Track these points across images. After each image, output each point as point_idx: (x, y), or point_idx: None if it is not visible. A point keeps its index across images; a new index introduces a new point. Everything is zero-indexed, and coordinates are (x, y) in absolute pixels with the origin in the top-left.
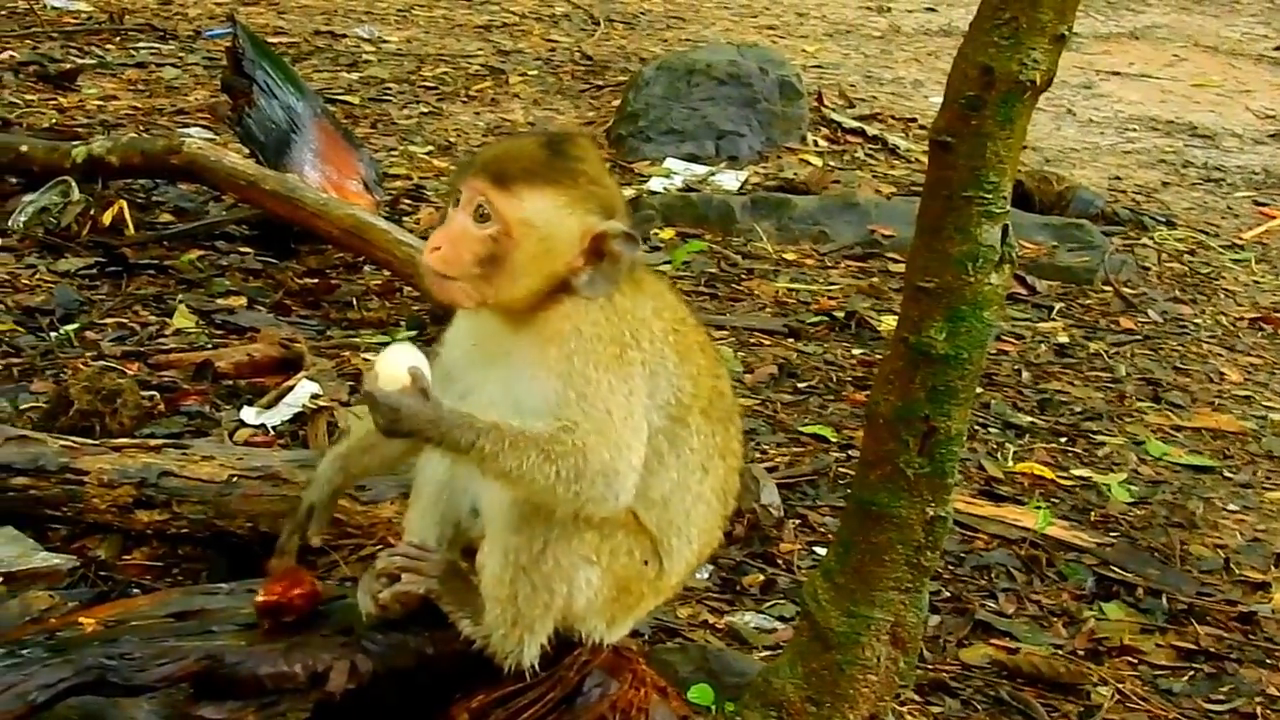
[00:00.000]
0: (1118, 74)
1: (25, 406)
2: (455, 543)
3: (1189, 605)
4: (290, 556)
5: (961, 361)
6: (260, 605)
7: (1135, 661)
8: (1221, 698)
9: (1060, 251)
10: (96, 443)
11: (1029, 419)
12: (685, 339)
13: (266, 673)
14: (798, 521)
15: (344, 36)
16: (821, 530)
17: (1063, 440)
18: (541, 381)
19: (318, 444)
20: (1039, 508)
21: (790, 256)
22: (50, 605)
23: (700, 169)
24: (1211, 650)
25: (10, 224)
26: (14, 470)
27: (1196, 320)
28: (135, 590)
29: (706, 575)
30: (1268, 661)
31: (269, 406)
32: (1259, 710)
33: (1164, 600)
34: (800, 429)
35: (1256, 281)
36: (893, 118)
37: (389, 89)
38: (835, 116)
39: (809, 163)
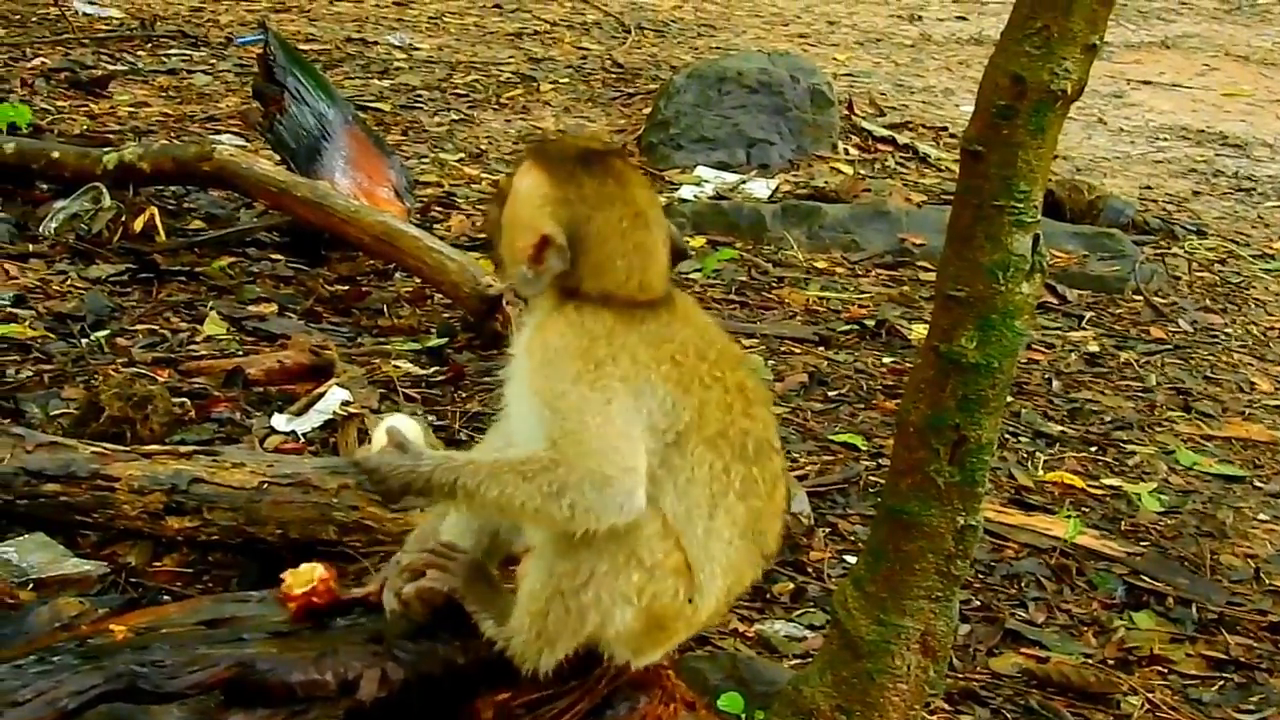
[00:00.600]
0: (1149, 83)
1: (56, 412)
2: (492, 552)
3: (1219, 615)
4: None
5: (992, 370)
6: (297, 611)
7: (1165, 671)
8: (1251, 707)
9: (1091, 260)
10: (127, 449)
11: (1059, 428)
12: (690, 370)
13: (297, 680)
14: (828, 530)
15: (375, 44)
16: (851, 538)
17: (1093, 449)
18: (525, 400)
19: (348, 451)
20: (1069, 517)
21: (821, 265)
22: (80, 611)
23: (731, 177)
24: (1241, 660)
25: (42, 230)
26: (45, 476)
27: (1227, 330)
28: (165, 597)
29: None
30: None
31: (299, 413)
32: None
33: (1194, 610)
34: (830, 437)
35: None
36: (923, 126)
37: (420, 96)
38: (866, 125)
39: (840, 171)
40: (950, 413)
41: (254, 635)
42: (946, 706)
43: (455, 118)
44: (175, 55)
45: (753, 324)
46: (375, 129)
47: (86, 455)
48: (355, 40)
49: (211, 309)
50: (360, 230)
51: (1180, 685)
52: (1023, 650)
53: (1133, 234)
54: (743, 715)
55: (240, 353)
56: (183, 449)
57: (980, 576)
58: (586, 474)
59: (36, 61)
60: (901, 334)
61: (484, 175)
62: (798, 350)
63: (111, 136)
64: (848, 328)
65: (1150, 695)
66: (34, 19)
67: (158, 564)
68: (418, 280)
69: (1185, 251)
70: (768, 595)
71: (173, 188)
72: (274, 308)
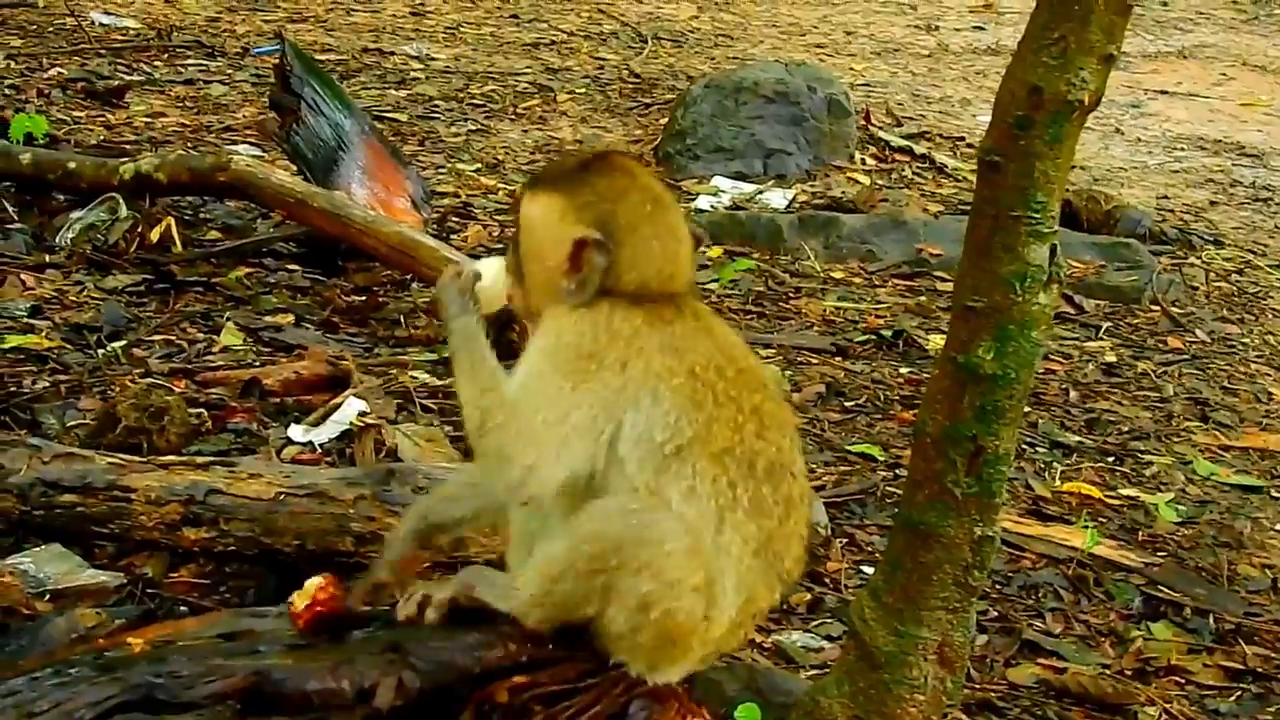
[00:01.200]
0: (1165, 93)
1: (73, 423)
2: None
3: (1236, 625)
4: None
5: (1010, 381)
6: (306, 624)
7: (1182, 682)
8: (1269, 718)
9: (1108, 270)
10: (144, 460)
11: (1076, 438)
12: (706, 385)
13: (313, 689)
14: (845, 540)
15: (392, 54)
16: (869, 549)
17: (1110, 460)
18: (521, 361)
19: (365, 462)
20: (1086, 527)
21: (838, 275)
22: (97, 622)
23: (748, 187)
24: (1259, 670)
25: (58, 241)
26: (61, 487)
27: (1244, 340)
28: (182, 608)
29: None
30: None
31: (316, 424)
32: None
33: (1211, 620)
34: (847, 448)
35: None
36: (940, 136)
37: (437, 106)
38: (883, 135)
39: (857, 181)
40: (968, 423)
41: (270, 647)
42: (964, 717)
43: (472, 128)
44: (192, 65)
45: (770, 334)
46: (392, 139)
47: (103, 466)
48: (372, 50)
49: (228, 319)
50: (378, 240)
51: (1198, 696)
52: (1040, 661)
53: (1150, 244)
54: None
55: (257, 363)
56: (199, 460)
57: (997, 587)
58: (502, 445)
59: (53, 72)
60: (919, 344)
61: (501, 186)
62: (815, 360)
63: (128, 147)
64: (865, 338)
65: (1168, 706)
66: (50, 29)
67: (174, 575)
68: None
69: (1202, 261)
70: (784, 606)
71: (189, 198)
72: (291, 318)
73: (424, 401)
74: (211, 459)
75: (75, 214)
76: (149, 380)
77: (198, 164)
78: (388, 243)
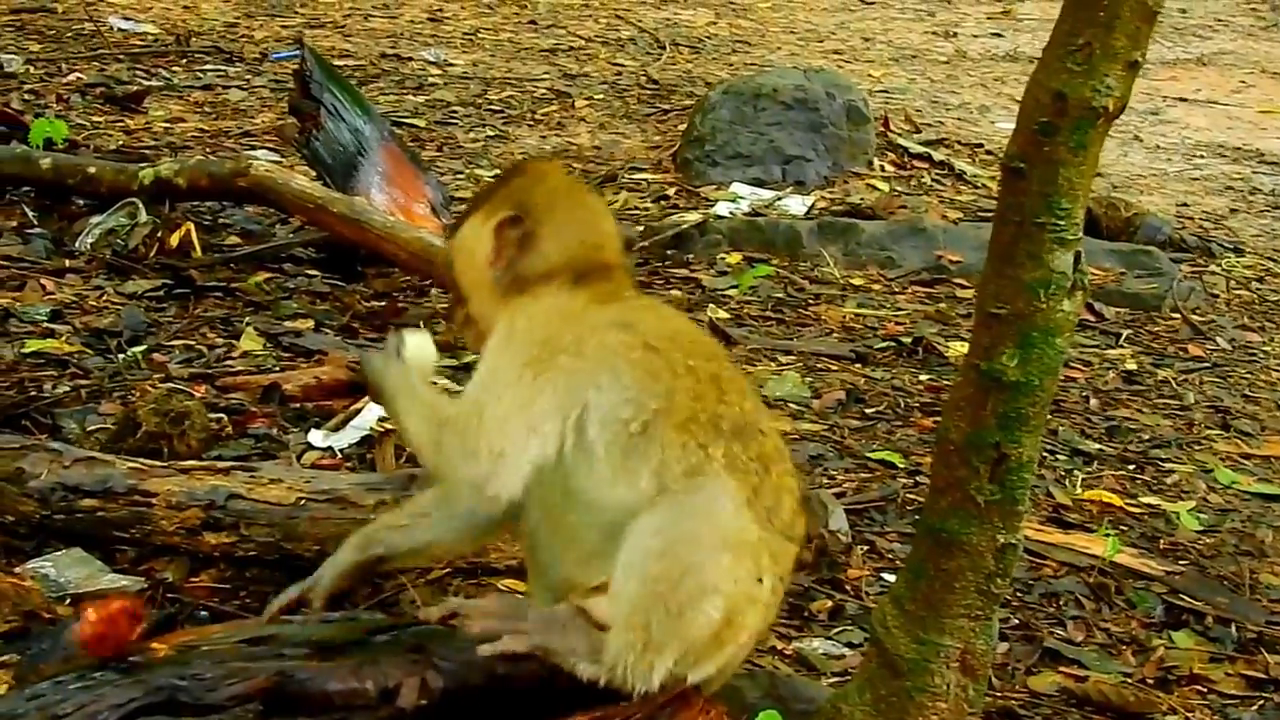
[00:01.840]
0: (1184, 100)
1: (93, 428)
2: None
3: (1258, 634)
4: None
5: (1033, 388)
6: (86, 641)
7: (1204, 690)
8: None
9: (1128, 278)
10: (164, 465)
11: (1097, 446)
12: (664, 357)
13: (336, 689)
14: (866, 547)
15: (410, 60)
16: (890, 556)
17: (1131, 467)
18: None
19: (385, 467)
20: (1107, 535)
21: (857, 281)
22: None
23: (767, 193)
24: None
25: (78, 245)
26: (82, 492)
27: (1265, 348)
28: (203, 613)
29: None
30: None
31: (336, 429)
32: None
33: (1233, 629)
34: (868, 455)
35: None
36: (959, 143)
37: (455, 112)
38: (902, 141)
39: (875, 188)
40: (991, 430)
41: (294, 651)
42: None
43: (490, 134)
44: (210, 71)
45: (789, 341)
46: (410, 145)
47: (124, 470)
48: (390, 56)
49: (248, 325)
50: (397, 246)
51: (1219, 705)
52: (1061, 669)
53: (1170, 251)
54: None
55: (277, 368)
56: (220, 464)
57: (1018, 595)
58: (464, 446)
59: (72, 77)
60: (939, 351)
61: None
62: (834, 367)
63: (147, 152)
64: (884, 345)
65: (1190, 715)
66: (69, 34)
67: (194, 579)
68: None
69: (1222, 269)
70: (806, 613)
71: (208, 203)
72: (310, 323)
73: None
74: (232, 464)
75: (95, 219)
76: (169, 385)
77: (217, 169)
78: (408, 248)
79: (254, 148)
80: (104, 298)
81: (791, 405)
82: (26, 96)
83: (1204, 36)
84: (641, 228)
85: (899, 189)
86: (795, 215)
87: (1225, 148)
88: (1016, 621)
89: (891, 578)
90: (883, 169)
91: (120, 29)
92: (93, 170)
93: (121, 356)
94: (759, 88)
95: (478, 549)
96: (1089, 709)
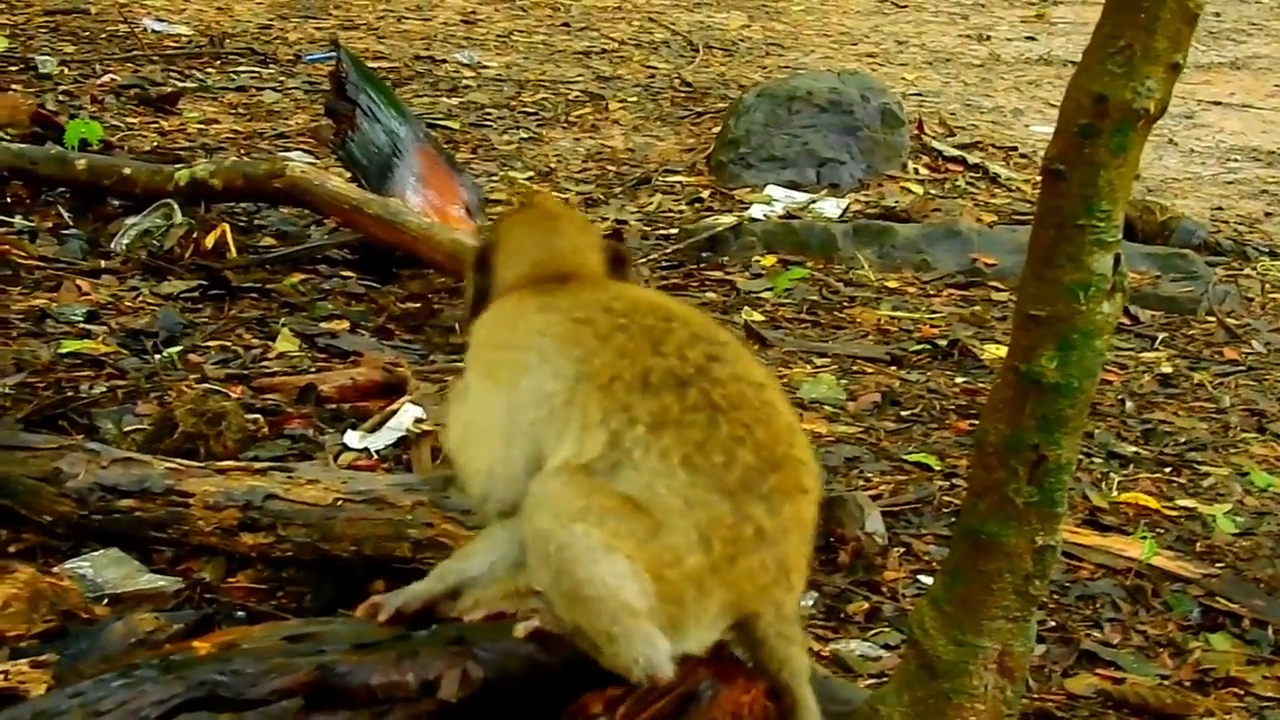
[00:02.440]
0: (1219, 104)
1: (130, 428)
2: None
3: None
4: None
5: (1072, 390)
6: None
7: (1241, 693)
8: None
9: (1163, 281)
10: (202, 465)
11: (1133, 449)
12: (586, 324)
13: (378, 682)
14: (902, 550)
15: (444, 62)
16: (926, 558)
17: (1167, 470)
18: None
19: (421, 468)
20: (1144, 538)
21: (892, 284)
22: (155, 627)
23: (801, 196)
24: None
25: (113, 246)
26: (120, 492)
27: None
28: (240, 613)
29: (811, 603)
30: None
31: (372, 430)
32: None
33: (1270, 631)
34: (904, 457)
35: None
36: (993, 146)
37: (489, 114)
38: (936, 144)
39: (910, 191)
40: (1029, 433)
41: (335, 647)
42: None
43: (524, 136)
44: (244, 72)
45: (824, 343)
46: (445, 147)
47: (161, 471)
48: (424, 58)
49: (283, 326)
50: (432, 248)
51: (1256, 707)
52: (1098, 671)
53: (1205, 255)
54: None
55: (313, 369)
56: (257, 465)
57: (1055, 597)
58: (463, 468)
59: (106, 78)
60: (974, 354)
61: (554, 194)
62: (870, 370)
63: (181, 153)
64: (920, 347)
65: (1227, 717)
66: (103, 35)
67: (232, 580)
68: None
69: (1258, 273)
70: (842, 615)
71: (243, 205)
72: (346, 325)
73: None
74: (269, 464)
75: (130, 220)
76: (205, 386)
77: (253, 170)
78: (443, 250)
79: (288, 149)
80: (140, 298)
81: (827, 408)
82: (61, 98)
83: (1238, 40)
84: (676, 230)
85: (933, 192)
86: (830, 218)
87: (1260, 151)
88: (1053, 623)
89: (928, 580)
90: (917, 172)
91: (154, 30)
92: (128, 171)
93: (158, 357)
94: (793, 90)
95: None
96: (1126, 711)
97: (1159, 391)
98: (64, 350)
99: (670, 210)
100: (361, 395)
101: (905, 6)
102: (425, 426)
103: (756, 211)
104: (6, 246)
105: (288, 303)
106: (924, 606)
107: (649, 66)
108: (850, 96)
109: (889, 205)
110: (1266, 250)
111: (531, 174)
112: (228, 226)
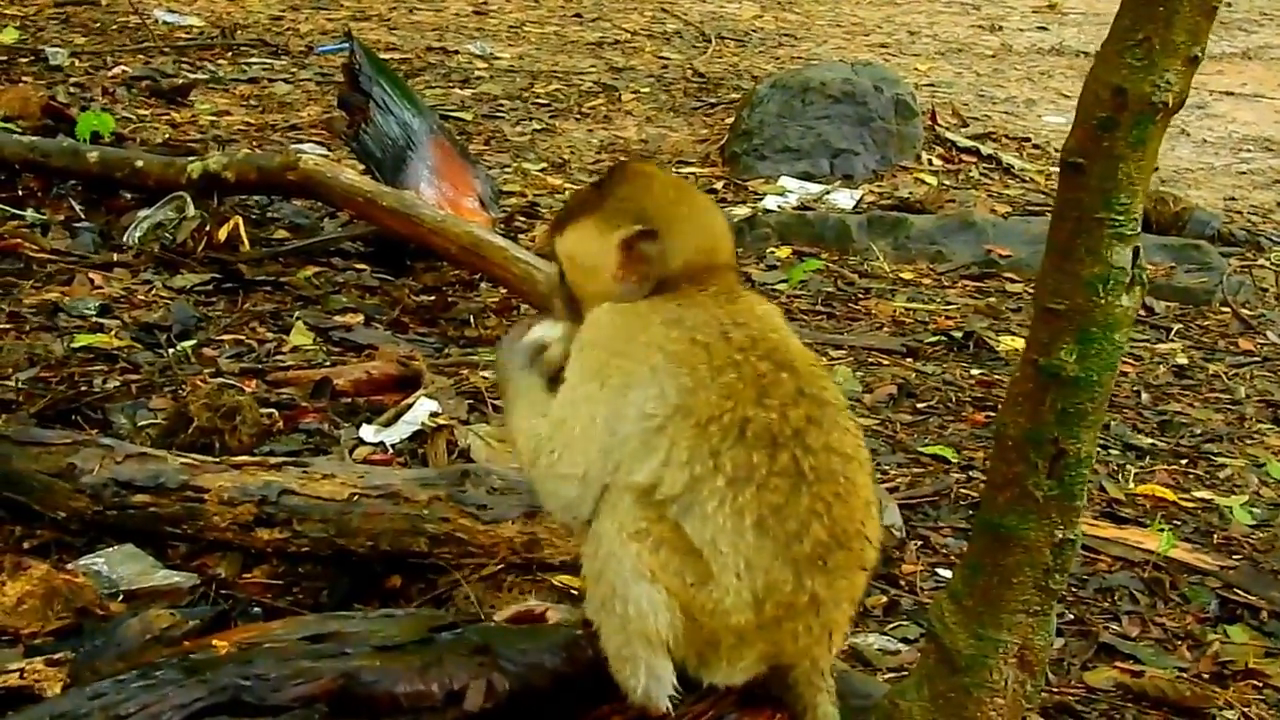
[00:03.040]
0: (1231, 94)
1: (144, 423)
2: None
3: None
4: None
5: (1092, 384)
6: None
7: (1260, 685)
8: None
9: (1178, 272)
10: (217, 460)
11: (1149, 440)
12: (702, 348)
13: (403, 691)
14: (919, 543)
15: (456, 53)
16: (943, 551)
17: (1183, 462)
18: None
19: (437, 462)
20: (1161, 530)
21: (907, 276)
22: (171, 623)
23: (815, 187)
24: None
25: (126, 239)
26: (134, 487)
27: None
28: (256, 609)
29: None
30: None
31: (388, 424)
32: None
33: None
34: (920, 449)
35: None
36: (1006, 137)
37: (501, 106)
38: (949, 135)
39: (924, 181)
40: (1049, 426)
41: (358, 649)
42: None
43: (537, 127)
44: (256, 64)
45: (839, 335)
46: (458, 138)
47: (176, 466)
48: (436, 49)
49: (297, 319)
50: (447, 240)
51: (1275, 699)
52: (1117, 664)
53: (1219, 246)
54: None
55: (327, 363)
56: (272, 460)
57: (1073, 590)
58: (551, 466)
59: (117, 70)
60: (989, 346)
61: (567, 185)
62: (885, 362)
63: (194, 145)
64: (935, 339)
65: (1246, 710)
66: (114, 27)
67: (247, 576)
68: (504, 290)
69: (1272, 263)
70: (860, 609)
71: (256, 197)
72: (360, 318)
73: (495, 402)
74: (284, 459)
75: (143, 212)
76: (220, 380)
77: (266, 163)
78: (458, 242)
79: (300, 141)
80: (153, 292)
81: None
82: (72, 90)
83: (1249, 31)
84: None
85: (947, 183)
86: (844, 209)
87: (1272, 142)
88: (1071, 617)
89: (945, 573)
90: (930, 163)
91: (165, 22)
92: (140, 164)
93: (171, 351)
94: (806, 81)
95: None
96: (1145, 704)
97: (1174, 383)
98: (77, 344)
99: None
100: (376, 389)
101: None
102: (440, 421)
103: (770, 203)
104: (18, 240)
105: (302, 296)
106: (943, 600)
107: (661, 57)
108: (864, 87)
109: (903, 196)
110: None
111: (545, 165)
112: (240, 219)
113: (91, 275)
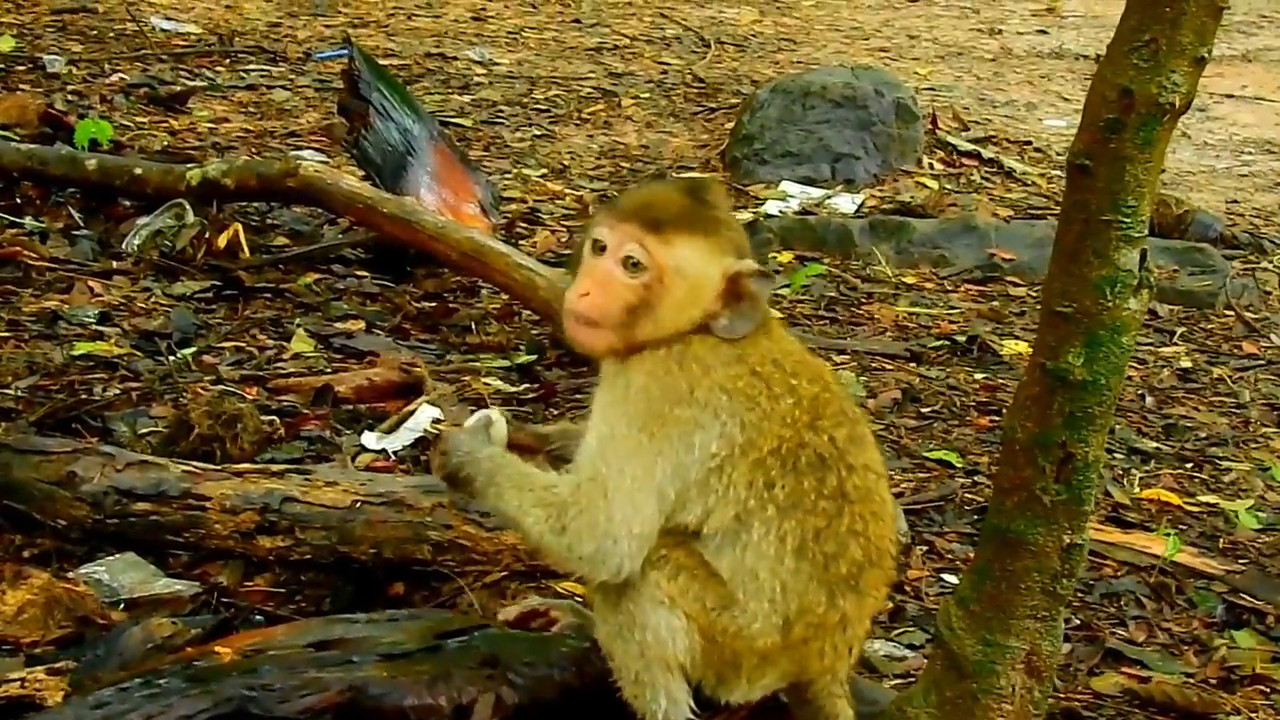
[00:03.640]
0: (1231, 97)
1: (144, 431)
2: None
3: None
4: None
5: (1099, 387)
6: None
7: (1267, 690)
8: None
9: (1181, 275)
10: (218, 468)
11: (1154, 444)
12: (763, 381)
13: (410, 704)
14: (925, 548)
15: (455, 59)
16: (949, 557)
17: (1188, 466)
18: (588, 430)
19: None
20: (1167, 534)
21: (910, 280)
22: (173, 632)
23: (816, 192)
24: None
25: (125, 247)
26: (136, 495)
27: None
28: (258, 617)
29: None
30: None
31: (390, 431)
32: None
33: None
34: (925, 454)
35: None
36: (1007, 140)
37: (501, 111)
38: (950, 139)
39: (925, 186)
40: (1057, 430)
41: (364, 658)
42: None
43: (537, 133)
44: (254, 71)
45: (843, 340)
46: (457, 144)
47: (177, 474)
48: (434, 55)
49: (298, 326)
50: (448, 247)
51: None
52: (1124, 669)
53: (1221, 248)
54: None
55: (328, 370)
56: (274, 468)
57: (1080, 595)
58: (593, 525)
59: (115, 78)
60: (993, 350)
61: (567, 191)
62: (889, 366)
63: (192, 153)
64: (939, 343)
65: (1253, 715)
66: (111, 34)
67: (249, 584)
68: (505, 297)
69: (1275, 266)
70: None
71: (255, 204)
72: (361, 325)
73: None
74: (286, 467)
75: (142, 220)
76: (220, 387)
77: (266, 169)
78: (459, 249)
79: (299, 148)
80: (152, 299)
81: None
82: (70, 97)
83: (1249, 33)
84: None
85: (948, 187)
86: (846, 213)
87: (1273, 144)
88: (1078, 622)
89: (951, 578)
90: (932, 167)
91: (162, 29)
92: (139, 171)
93: (171, 359)
94: (807, 86)
95: None
96: (1152, 709)
97: (1179, 386)
98: (77, 352)
99: None
100: (378, 396)
101: (916, 1)
102: (443, 428)
103: (772, 207)
104: (17, 248)
105: (302, 303)
106: (951, 606)
107: (661, 62)
108: (864, 91)
109: (905, 200)
110: None
111: (545, 171)
112: (240, 226)
113: (91, 283)
